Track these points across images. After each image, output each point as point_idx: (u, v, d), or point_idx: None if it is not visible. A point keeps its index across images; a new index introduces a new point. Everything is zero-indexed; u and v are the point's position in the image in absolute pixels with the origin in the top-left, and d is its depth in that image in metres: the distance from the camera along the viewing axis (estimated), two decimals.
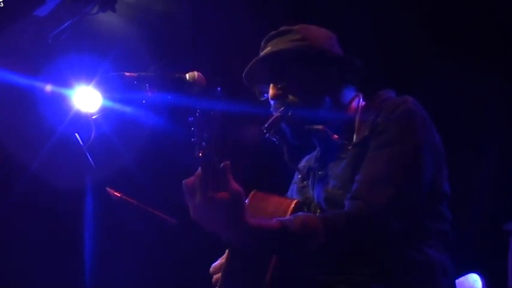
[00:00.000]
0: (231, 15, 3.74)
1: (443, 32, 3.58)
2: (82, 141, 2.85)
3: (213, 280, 2.03)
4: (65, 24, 3.05)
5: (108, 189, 2.87)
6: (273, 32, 2.16)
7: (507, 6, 3.40)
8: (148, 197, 3.27)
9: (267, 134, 2.02)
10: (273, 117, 2.04)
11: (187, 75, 2.21)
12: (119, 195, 2.85)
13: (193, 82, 2.19)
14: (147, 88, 2.22)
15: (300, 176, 2.21)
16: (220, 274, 1.89)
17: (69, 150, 3.39)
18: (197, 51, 3.85)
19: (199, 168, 1.52)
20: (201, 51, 3.80)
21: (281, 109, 2.04)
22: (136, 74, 2.24)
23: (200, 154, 1.51)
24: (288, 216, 1.74)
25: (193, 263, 3.90)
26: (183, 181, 1.54)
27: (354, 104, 2.10)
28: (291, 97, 2.06)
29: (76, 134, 2.88)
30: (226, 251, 1.86)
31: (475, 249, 3.34)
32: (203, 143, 1.51)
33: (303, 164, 2.27)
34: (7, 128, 3.56)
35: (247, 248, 1.66)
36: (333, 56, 2.10)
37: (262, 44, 2.17)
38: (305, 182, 2.16)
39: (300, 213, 1.72)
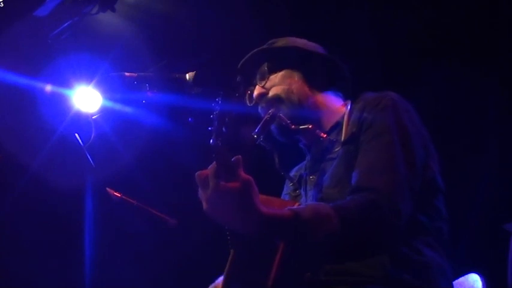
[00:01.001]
0: (231, 15, 3.74)
1: (443, 32, 3.58)
2: (82, 141, 2.84)
3: None
4: (65, 25, 3.05)
5: (108, 189, 2.87)
6: (260, 48, 2.23)
7: (507, 6, 3.40)
8: (148, 197, 3.27)
9: (258, 140, 2.02)
10: (261, 122, 2.04)
11: (187, 76, 2.22)
12: (119, 195, 2.85)
13: (193, 82, 2.20)
14: (147, 88, 2.23)
15: (291, 185, 2.21)
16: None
17: (69, 150, 3.39)
18: (197, 51, 3.85)
19: (214, 162, 1.52)
20: (201, 51, 3.80)
21: (269, 111, 2.05)
22: (136, 74, 2.24)
23: (219, 142, 1.50)
24: (299, 206, 1.73)
25: (193, 264, 3.91)
26: (196, 173, 1.54)
27: (342, 108, 2.14)
28: (272, 93, 2.10)
29: (76, 134, 2.88)
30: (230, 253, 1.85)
31: (475, 249, 3.34)
32: (224, 130, 1.51)
33: (293, 173, 2.28)
34: (7, 128, 3.56)
35: (260, 237, 1.64)
36: (317, 56, 2.16)
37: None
38: (298, 192, 2.16)
39: (310, 203, 1.71)
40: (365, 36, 3.61)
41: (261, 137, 2.01)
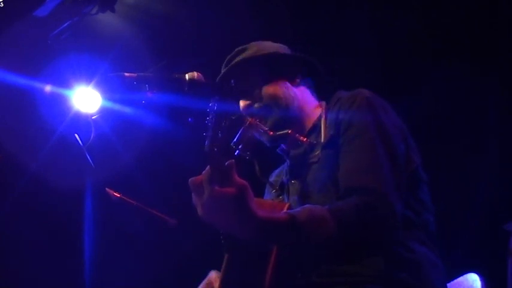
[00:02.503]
0: (231, 15, 3.74)
1: (443, 32, 3.59)
2: (82, 141, 2.85)
3: None
4: (65, 25, 3.06)
5: (107, 189, 2.87)
6: (228, 56, 2.22)
7: (507, 6, 3.40)
8: (148, 197, 3.27)
9: (237, 151, 2.00)
10: (239, 132, 2.01)
11: (186, 76, 2.22)
12: (118, 195, 2.86)
13: (192, 82, 2.20)
14: (147, 88, 2.23)
15: (273, 191, 2.20)
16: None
17: (69, 150, 3.39)
18: (197, 51, 3.85)
19: (207, 167, 1.51)
20: (200, 52, 3.80)
21: (247, 120, 2.02)
22: (136, 75, 2.24)
23: (216, 149, 1.49)
24: (292, 208, 1.73)
25: (193, 264, 3.91)
26: (190, 179, 1.53)
27: (318, 109, 2.14)
28: (257, 105, 2.11)
29: (76, 135, 2.88)
30: (224, 258, 1.84)
31: (475, 249, 3.34)
32: (219, 134, 1.50)
33: (273, 178, 2.27)
34: (7, 128, 3.56)
35: (257, 241, 1.64)
36: (290, 57, 2.17)
37: (222, 69, 2.22)
38: (280, 198, 2.15)
39: (306, 205, 1.71)
40: (365, 36, 3.61)
41: (240, 146, 1.98)
